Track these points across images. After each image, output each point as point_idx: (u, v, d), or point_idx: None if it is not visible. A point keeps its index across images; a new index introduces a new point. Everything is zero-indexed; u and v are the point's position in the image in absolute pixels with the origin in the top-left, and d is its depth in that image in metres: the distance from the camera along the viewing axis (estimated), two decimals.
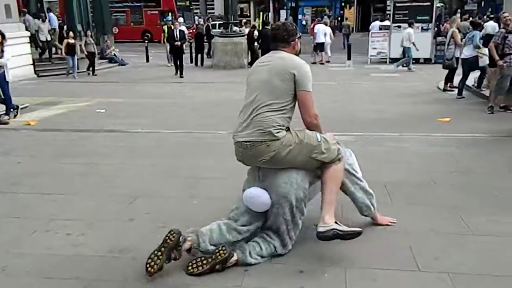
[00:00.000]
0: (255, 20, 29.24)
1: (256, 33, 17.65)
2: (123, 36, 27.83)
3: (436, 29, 18.24)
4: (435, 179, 4.89)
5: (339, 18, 35.63)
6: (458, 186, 4.70)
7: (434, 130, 7.24)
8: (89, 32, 16.63)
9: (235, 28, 17.22)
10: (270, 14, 34.32)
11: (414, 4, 17.04)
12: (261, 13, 18.65)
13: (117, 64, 18.50)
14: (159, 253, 2.96)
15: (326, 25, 18.86)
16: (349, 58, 17.41)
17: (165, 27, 17.70)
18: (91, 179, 5.11)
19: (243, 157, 3.23)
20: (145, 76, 15.56)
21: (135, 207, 4.28)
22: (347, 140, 6.61)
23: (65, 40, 14.93)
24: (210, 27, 22.60)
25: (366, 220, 3.72)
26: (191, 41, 18.83)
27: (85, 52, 15.88)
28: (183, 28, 17.53)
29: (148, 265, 2.95)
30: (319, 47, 18.03)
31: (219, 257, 3.02)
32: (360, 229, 3.25)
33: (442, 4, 23.37)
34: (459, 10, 24.72)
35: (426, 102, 10.11)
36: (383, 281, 2.98)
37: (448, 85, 11.33)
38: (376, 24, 21.16)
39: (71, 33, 15.32)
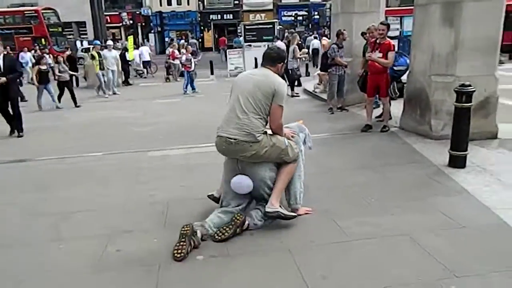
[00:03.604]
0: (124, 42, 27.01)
1: (127, 54, 16.11)
2: None
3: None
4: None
5: (200, 40, 35.03)
6: (324, 188, 4.25)
7: None
8: None
9: (91, 52, 15.42)
10: (140, 37, 32.32)
11: (260, 26, 17.44)
12: (130, 36, 17.13)
13: None
14: (182, 242, 3.04)
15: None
16: (212, 73, 16.84)
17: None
18: None
19: (225, 150, 3.37)
20: None
21: None
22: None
23: None
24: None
25: None
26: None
27: None
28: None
29: (175, 252, 2.99)
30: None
31: (237, 221, 3.25)
32: (295, 214, 3.48)
33: (281, 26, 24.08)
34: (296, 31, 26.08)
35: None
36: None
37: (294, 91, 11.43)
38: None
39: None
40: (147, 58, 18.69)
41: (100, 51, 13.55)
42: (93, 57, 13.49)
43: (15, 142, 7.38)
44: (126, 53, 16.34)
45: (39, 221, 3.76)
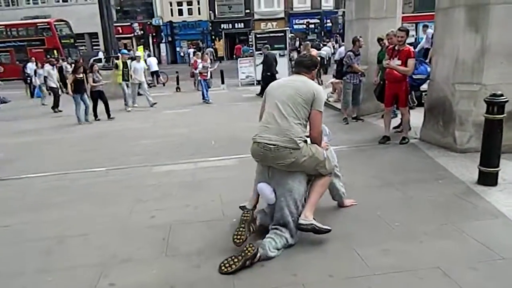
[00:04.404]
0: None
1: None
2: (8, 74, 23.57)
3: (291, 54, 18.32)
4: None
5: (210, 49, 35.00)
6: (343, 209, 3.87)
7: None
8: None
9: (116, 61, 15.28)
10: (151, 47, 32.43)
11: (271, 35, 17.15)
12: (140, 46, 17.13)
13: None
14: (242, 228, 3.05)
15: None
16: (222, 82, 16.62)
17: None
18: None
19: (262, 157, 3.22)
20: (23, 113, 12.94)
21: None
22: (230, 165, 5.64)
23: None
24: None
25: None
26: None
27: None
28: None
29: (235, 238, 3.01)
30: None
31: (248, 253, 2.93)
32: (330, 228, 3.24)
33: (292, 34, 23.84)
34: (308, 39, 26.03)
35: None
36: None
37: None
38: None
39: None
40: (155, 68, 18.72)
41: (126, 61, 12.74)
42: (116, 67, 12.70)
43: (15, 155, 7.19)
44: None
45: (28, 248, 3.47)
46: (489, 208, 3.69)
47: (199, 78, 12.95)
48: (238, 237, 3.02)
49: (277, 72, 14.23)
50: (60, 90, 13.74)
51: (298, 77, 3.38)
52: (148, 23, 34.78)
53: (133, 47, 33.81)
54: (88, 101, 10.43)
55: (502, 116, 4.08)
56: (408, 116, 6.35)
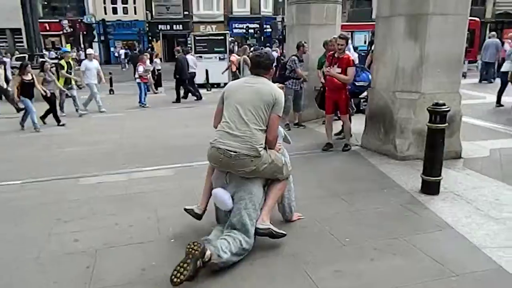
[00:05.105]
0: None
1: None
2: None
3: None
4: None
5: (149, 50, 33.69)
6: (289, 223, 3.60)
7: None
8: None
9: (40, 60, 13.92)
10: (81, 46, 30.38)
11: (211, 38, 16.80)
12: (68, 44, 15.84)
13: None
14: (186, 264, 2.54)
15: None
16: (160, 85, 15.88)
17: None
18: None
19: (222, 163, 3.08)
20: None
21: None
22: (166, 175, 5.18)
23: None
24: None
25: None
26: None
27: None
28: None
29: (174, 276, 2.52)
30: None
31: (195, 252, 2.59)
32: (285, 232, 3.17)
33: (232, 38, 23.58)
34: (247, 43, 25.96)
35: None
36: None
37: None
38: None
39: None
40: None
41: (70, 61, 11.27)
42: (61, 68, 10.71)
43: None
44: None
45: None
46: (435, 219, 3.64)
47: (138, 81, 12.06)
48: (178, 274, 2.53)
49: (194, 75, 13.73)
50: None
51: (257, 79, 3.21)
52: (79, 20, 32.62)
53: (61, 45, 31.63)
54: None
55: (444, 125, 4.09)
56: (349, 124, 6.32)
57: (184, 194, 4.45)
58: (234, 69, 13.42)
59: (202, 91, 14.95)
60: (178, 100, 12.65)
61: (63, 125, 9.16)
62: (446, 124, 4.11)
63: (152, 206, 4.09)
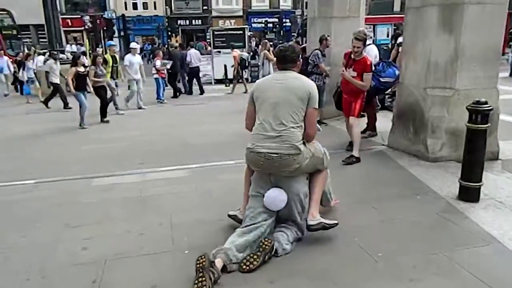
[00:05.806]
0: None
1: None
2: None
3: (251, 53, 17.78)
4: None
5: (166, 46, 33.66)
6: (314, 235, 3.23)
7: None
8: None
9: (61, 55, 13.90)
10: (102, 42, 30.54)
11: (229, 32, 16.51)
12: (88, 39, 15.84)
13: None
14: (201, 278, 2.49)
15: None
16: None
17: None
18: None
19: (264, 167, 3.01)
20: None
21: None
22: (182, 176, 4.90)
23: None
24: None
25: None
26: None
27: None
28: None
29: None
30: None
31: (266, 247, 2.81)
32: (337, 221, 3.15)
33: (251, 33, 23.23)
34: (266, 38, 25.62)
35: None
36: None
37: None
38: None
39: None
40: None
41: (115, 55, 10.84)
42: (106, 62, 10.28)
43: None
44: (85, 57, 14.87)
45: None
46: (478, 231, 3.24)
47: (155, 76, 11.79)
48: None
49: (198, 70, 13.44)
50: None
51: (286, 74, 3.07)
52: (100, 16, 32.77)
53: (83, 40, 31.87)
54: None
55: (486, 126, 3.66)
56: (358, 131, 5.49)
57: (200, 197, 4.18)
58: (236, 65, 13.18)
59: (220, 86, 14.71)
60: (175, 95, 12.60)
61: (107, 121, 8.88)
62: (488, 125, 3.69)
63: (167, 211, 3.82)
